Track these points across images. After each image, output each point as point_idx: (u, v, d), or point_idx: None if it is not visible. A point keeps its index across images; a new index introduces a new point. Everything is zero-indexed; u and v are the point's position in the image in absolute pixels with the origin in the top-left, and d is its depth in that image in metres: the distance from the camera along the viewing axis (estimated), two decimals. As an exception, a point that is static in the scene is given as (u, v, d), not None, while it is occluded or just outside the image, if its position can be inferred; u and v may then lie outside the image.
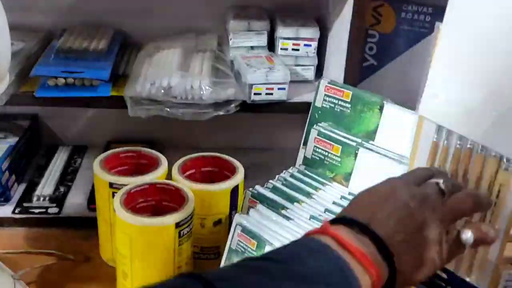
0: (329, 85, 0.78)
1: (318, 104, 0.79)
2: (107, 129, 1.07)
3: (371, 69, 0.95)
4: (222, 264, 0.68)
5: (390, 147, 0.70)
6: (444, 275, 0.57)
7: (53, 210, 0.88)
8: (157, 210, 0.74)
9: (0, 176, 0.86)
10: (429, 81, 0.58)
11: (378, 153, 0.70)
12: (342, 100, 0.76)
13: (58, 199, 0.91)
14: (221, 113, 0.81)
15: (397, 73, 0.94)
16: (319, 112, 0.79)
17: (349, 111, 0.75)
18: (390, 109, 0.71)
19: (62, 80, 0.80)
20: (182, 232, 0.68)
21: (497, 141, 0.52)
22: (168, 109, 0.80)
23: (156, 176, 0.77)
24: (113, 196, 0.74)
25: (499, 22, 0.51)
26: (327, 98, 0.77)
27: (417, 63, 0.93)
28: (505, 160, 0.52)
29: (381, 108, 0.72)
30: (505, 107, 0.51)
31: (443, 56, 0.56)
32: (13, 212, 0.87)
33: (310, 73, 0.93)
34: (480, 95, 0.53)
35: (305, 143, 0.78)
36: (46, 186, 0.93)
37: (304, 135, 0.79)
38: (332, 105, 0.77)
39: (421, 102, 0.59)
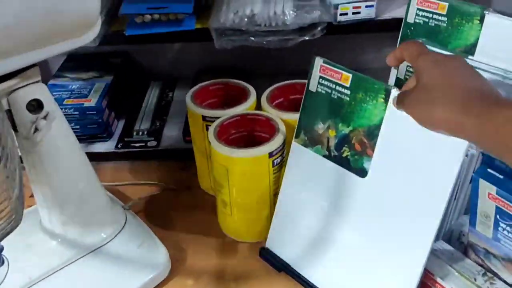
0: None
1: (410, 19, 0.73)
2: (195, 61, 1.09)
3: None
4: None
5: (492, 61, 0.65)
6: None
7: (152, 143, 0.93)
8: (250, 140, 0.75)
9: (102, 114, 0.91)
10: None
11: (479, 68, 0.65)
12: (437, 14, 0.70)
13: (155, 132, 0.95)
14: (306, 38, 0.79)
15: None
16: (412, 28, 0.72)
17: (445, 25, 0.69)
18: (493, 19, 0.65)
19: (149, 17, 0.80)
20: (275, 161, 0.70)
21: None
22: (253, 38, 0.79)
23: (246, 107, 0.78)
24: (207, 128, 0.76)
25: None
26: (420, 12, 0.71)
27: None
28: None
29: (481, 19, 0.66)
30: None
31: None
32: (116, 147, 0.92)
33: (400, -14, 0.87)
34: None
35: (397, 64, 0.76)
36: (143, 121, 0.97)
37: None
38: (426, 20, 0.71)
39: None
